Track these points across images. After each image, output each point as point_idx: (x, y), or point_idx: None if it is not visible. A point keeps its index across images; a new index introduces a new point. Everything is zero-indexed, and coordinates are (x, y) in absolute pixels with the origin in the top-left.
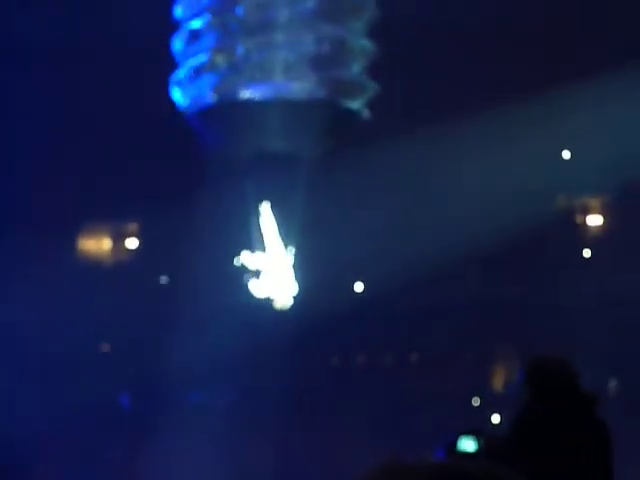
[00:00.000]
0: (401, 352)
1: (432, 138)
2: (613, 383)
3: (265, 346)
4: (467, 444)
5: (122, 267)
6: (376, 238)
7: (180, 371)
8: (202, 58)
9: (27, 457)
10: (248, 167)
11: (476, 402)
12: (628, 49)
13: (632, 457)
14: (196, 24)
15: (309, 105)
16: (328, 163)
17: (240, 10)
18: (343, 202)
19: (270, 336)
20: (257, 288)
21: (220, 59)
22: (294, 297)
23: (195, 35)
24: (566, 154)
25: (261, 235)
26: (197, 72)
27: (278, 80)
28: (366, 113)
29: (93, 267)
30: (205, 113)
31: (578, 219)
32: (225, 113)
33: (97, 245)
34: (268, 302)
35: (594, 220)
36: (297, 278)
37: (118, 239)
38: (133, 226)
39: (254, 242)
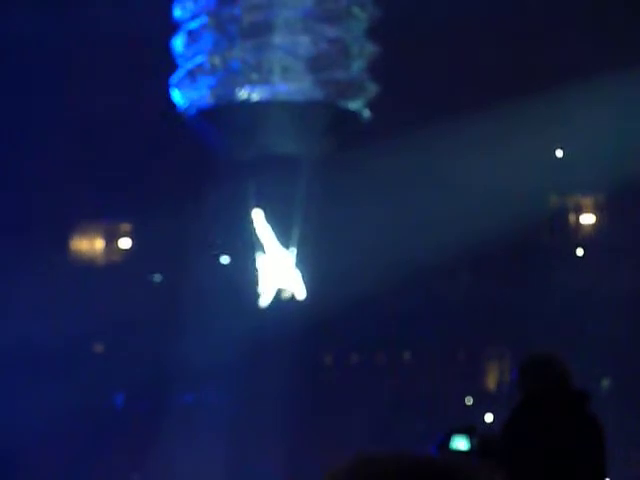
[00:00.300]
0: (394, 351)
1: (427, 139)
2: (606, 381)
3: (261, 347)
4: (460, 443)
5: (115, 267)
6: (373, 239)
7: (174, 371)
8: (200, 60)
9: (20, 457)
10: (248, 168)
11: (469, 401)
12: (621, 49)
13: (625, 454)
14: (194, 25)
15: (308, 106)
16: (329, 164)
17: (238, 11)
18: (342, 203)
19: (266, 336)
20: (259, 288)
21: (218, 61)
22: (291, 296)
23: (193, 36)
24: (559, 153)
25: (258, 237)
26: (195, 74)
27: (277, 81)
28: (366, 113)
29: (86, 267)
30: (204, 115)
31: (571, 218)
32: (224, 115)
33: (90, 245)
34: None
35: (587, 219)
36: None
37: (111, 239)
38: (126, 226)
39: (253, 243)
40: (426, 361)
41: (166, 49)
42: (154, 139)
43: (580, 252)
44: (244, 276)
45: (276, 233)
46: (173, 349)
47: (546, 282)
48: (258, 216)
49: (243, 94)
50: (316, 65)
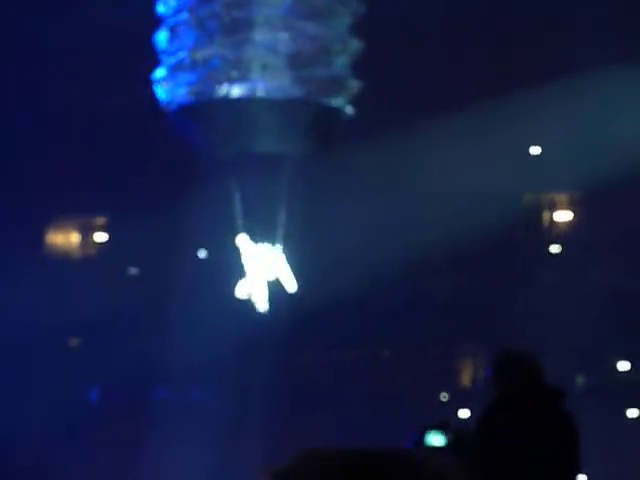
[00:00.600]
0: (372, 349)
1: (409, 137)
2: (581, 379)
3: (242, 342)
4: (435, 439)
5: (91, 261)
6: (354, 237)
7: (151, 366)
8: (180, 56)
9: None
10: (230, 165)
11: (444, 397)
12: (597, 45)
13: (599, 451)
14: (175, 21)
15: (289, 103)
16: (314, 161)
17: (218, 7)
18: (326, 201)
19: (248, 332)
20: (241, 287)
21: (198, 57)
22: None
23: (175, 32)
24: (534, 150)
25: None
26: (175, 70)
27: (256, 78)
28: (350, 110)
29: (61, 261)
30: (184, 111)
31: (546, 215)
32: (204, 111)
33: (65, 239)
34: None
35: (562, 216)
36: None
37: (86, 233)
38: (101, 220)
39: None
40: (402, 358)
41: (150, 45)
42: (134, 135)
43: (555, 249)
44: (225, 271)
45: (260, 231)
46: (151, 343)
47: (521, 279)
48: (243, 241)
49: (222, 91)
50: (296, 62)
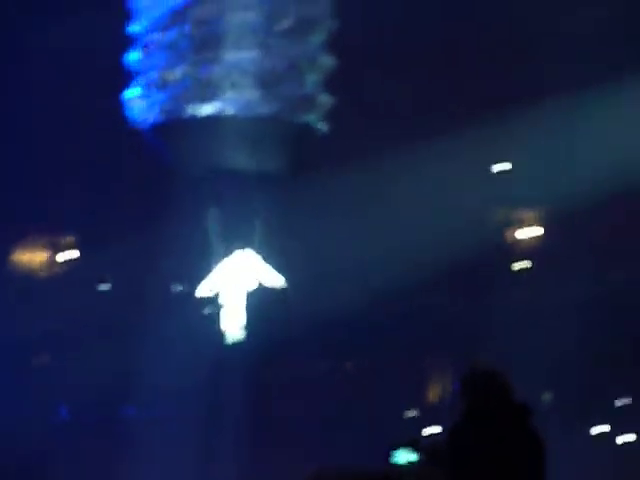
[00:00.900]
0: (338, 363)
1: (382, 155)
2: (548, 395)
3: (209, 358)
4: (405, 456)
5: (60, 278)
6: (326, 253)
7: (120, 383)
8: (152, 75)
9: None
10: (202, 181)
11: (412, 413)
12: (567, 62)
13: (565, 468)
14: (147, 41)
15: (260, 121)
16: (286, 179)
17: (188, 27)
18: (300, 218)
19: (210, 348)
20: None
21: (170, 76)
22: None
23: (146, 52)
24: (503, 166)
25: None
26: (147, 89)
27: (226, 97)
28: (322, 127)
29: (30, 279)
30: (156, 130)
31: (514, 231)
32: (175, 130)
33: (34, 257)
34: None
35: (531, 232)
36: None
37: (55, 251)
38: (71, 238)
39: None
40: (369, 374)
41: (123, 64)
42: (108, 153)
43: (523, 265)
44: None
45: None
46: (121, 360)
47: (489, 296)
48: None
49: (192, 109)
50: (266, 80)
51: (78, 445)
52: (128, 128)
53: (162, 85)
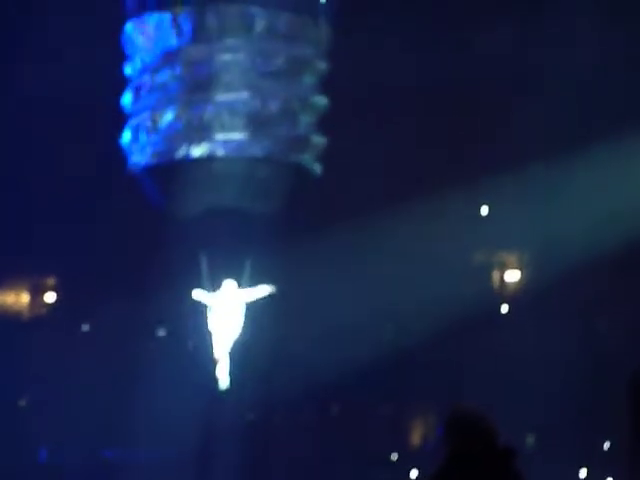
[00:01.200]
0: (322, 406)
1: (371, 202)
2: (531, 438)
3: (184, 402)
4: None
5: (40, 321)
6: (310, 300)
7: (97, 425)
8: (143, 117)
9: None
10: (191, 224)
11: (394, 457)
12: (547, 109)
13: None
14: (139, 83)
15: (250, 162)
16: (278, 221)
17: (179, 69)
18: (290, 261)
19: (190, 391)
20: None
21: (161, 118)
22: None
23: (138, 94)
24: (484, 210)
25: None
26: (139, 131)
27: (218, 138)
28: (317, 168)
29: (11, 321)
30: (148, 172)
31: (495, 275)
32: (167, 172)
33: (15, 299)
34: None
35: (512, 276)
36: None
37: (36, 293)
38: (51, 280)
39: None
40: (353, 417)
41: (117, 106)
42: (100, 196)
43: (505, 309)
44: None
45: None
46: (104, 403)
47: (472, 339)
48: (199, 294)
49: (183, 151)
50: (257, 121)
51: None
52: (120, 170)
53: (153, 127)
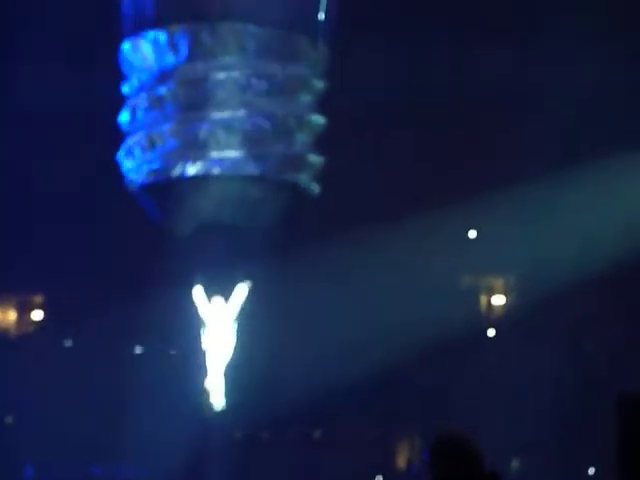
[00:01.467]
0: (308, 428)
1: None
2: (516, 462)
3: (172, 418)
4: None
5: (27, 338)
6: (300, 320)
7: (85, 442)
8: (140, 135)
9: None
10: (185, 241)
11: (379, 479)
12: (533, 135)
13: None
14: (136, 102)
15: (245, 180)
16: (271, 237)
17: (174, 87)
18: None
19: (179, 408)
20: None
21: (157, 136)
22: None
23: (135, 113)
24: (472, 234)
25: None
26: (137, 149)
27: (212, 156)
28: (313, 188)
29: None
30: (145, 190)
31: (483, 298)
32: (162, 190)
33: (3, 316)
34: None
35: (498, 299)
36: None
37: (23, 311)
38: (38, 298)
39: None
40: (337, 440)
41: (115, 125)
42: (93, 212)
43: (492, 332)
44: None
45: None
46: (86, 420)
47: (459, 362)
48: (199, 293)
49: (179, 169)
50: (253, 139)
51: None
52: (115, 187)
53: (150, 145)
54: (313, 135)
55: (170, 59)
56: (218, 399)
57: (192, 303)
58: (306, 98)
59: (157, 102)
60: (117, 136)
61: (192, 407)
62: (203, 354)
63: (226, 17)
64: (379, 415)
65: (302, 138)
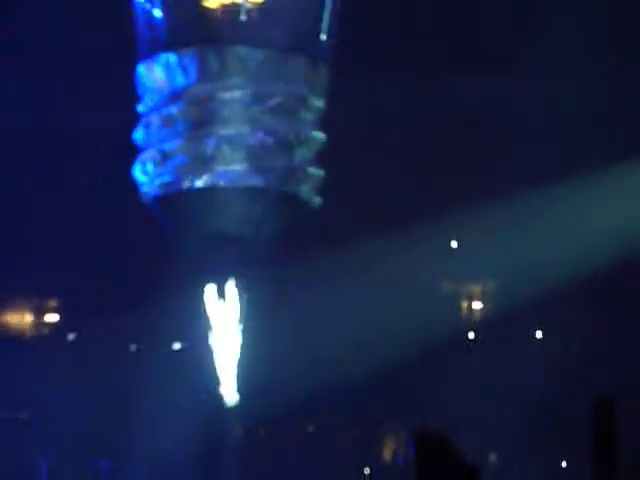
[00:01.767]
0: (299, 425)
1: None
2: (493, 456)
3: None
4: None
5: (41, 339)
6: (298, 324)
7: (93, 438)
8: (153, 151)
9: None
10: (200, 249)
11: (367, 471)
12: (516, 149)
13: None
14: (149, 119)
15: (249, 191)
16: (282, 248)
17: (183, 106)
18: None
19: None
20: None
21: (168, 152)
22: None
23: (148, 130)
24: (453, 244)
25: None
26: (150, 164)
27: (219, 169)
28: (314, 200)
29: (15, 339)
30: (157, 202)
31: (464, 304)
32: (173, 202)
33: (19, 319)
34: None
35: (478, 305)
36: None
37: (38, 314)
38: (53, 302)
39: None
40: (329, 434)
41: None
42: (107, 220)
43: (471, 335)
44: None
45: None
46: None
47: (440, 363)
48: (210, 292)
49: (188, 182)
50: (256, 153)
51: None
52: (132, 200)
53: (161, 160)
54: (313, 150)
55: (180, 80)
56: (231, 394)
57: (202, 304)
58: (306, 116)
59: (168, 120)
60: (132, 151)
61: (204, 402)
62: (212, 352)
63: (232, 41)
64: (367, 413)
65: (303, 153)
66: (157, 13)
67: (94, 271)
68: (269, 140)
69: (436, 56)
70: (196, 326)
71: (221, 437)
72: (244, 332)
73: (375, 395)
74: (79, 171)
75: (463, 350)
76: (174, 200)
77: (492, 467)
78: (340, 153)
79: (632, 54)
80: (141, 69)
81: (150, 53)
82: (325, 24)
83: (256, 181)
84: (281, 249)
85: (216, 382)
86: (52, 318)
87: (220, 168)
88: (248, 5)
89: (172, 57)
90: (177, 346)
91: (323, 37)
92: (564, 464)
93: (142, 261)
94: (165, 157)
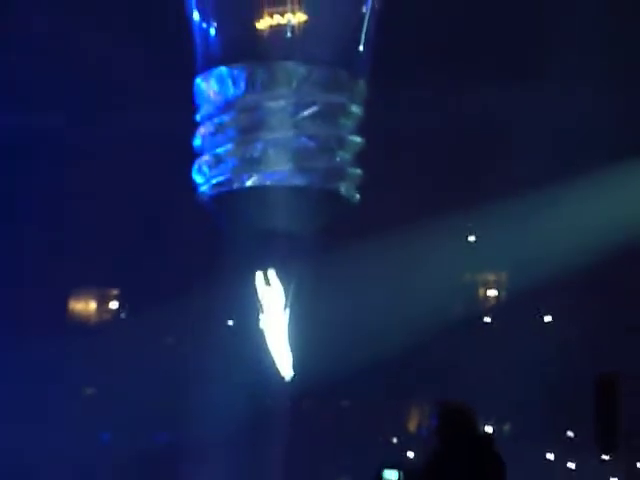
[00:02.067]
0: (336, 399)
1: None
2: (507, 426)
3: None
4: (390, 474)
5: (105, 324)
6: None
7: (151, 412)
8: (208, 155)
9: None
10: (251, 243)
11: (395, 440)
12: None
13: None
14: (205, 127)
15: (293, 190)
16: (325, 241)
17: (234, 114)
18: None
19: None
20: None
21: (221, 155)
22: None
23: (204, 136)
24: (471, 238)
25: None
26: (205, 166)
27: (267, 170)
28: (354, 196)
29: (82, 324)
30: (212, 200)
31: (480, 291)
32: (226, 200)
33: (85, 306)
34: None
35: (493, 292)
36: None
37: (102, 301)
38: (115, 291)
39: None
40: (362, 408)
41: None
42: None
43: (487, 319)
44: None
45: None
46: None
47: (461, 343)
48: (260, 278)
49: (239, 182)
50: (299, 155)
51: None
52: (192, 199)
53: (215, 163)
54: (352, 153)
55: (231, 92)
56: (287, 370)
57: (254, 289)
58: (346, 122)
59: (221, 128)
60: (191, 156)
61: (256, 379)
62: (263, 333)
63: (278, 56)
64: (395, 389)
65: (342, 155)
66: (213, 32)
67: (155, 263)
68: (311, 144)
69: (459, 66)
70: (248, 309)
71: (270, 409)
72: (291, 315)
73: (402, 373)
74: (144, 174)
75: (480, 331)
76: (227, 199)
77: (506, 436)
78: (376, 155)
79: (632, 54)
80: (198, 81)
81: (206, 67)
82: (363, 38)
83: (300, 180)
84: (324, 241)
85: (271, 359)
86: (114, 305)
87: (267, 169)
88: (293, 23)
89: (225, 70)
90: (230, 323)
91: (361, 49)
92: (570, 433)
93: (198, 254)
94: (218, 160)
